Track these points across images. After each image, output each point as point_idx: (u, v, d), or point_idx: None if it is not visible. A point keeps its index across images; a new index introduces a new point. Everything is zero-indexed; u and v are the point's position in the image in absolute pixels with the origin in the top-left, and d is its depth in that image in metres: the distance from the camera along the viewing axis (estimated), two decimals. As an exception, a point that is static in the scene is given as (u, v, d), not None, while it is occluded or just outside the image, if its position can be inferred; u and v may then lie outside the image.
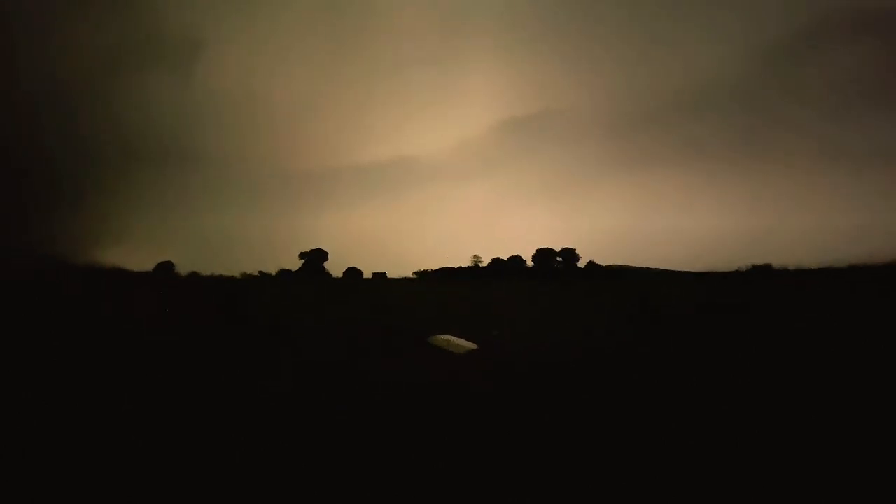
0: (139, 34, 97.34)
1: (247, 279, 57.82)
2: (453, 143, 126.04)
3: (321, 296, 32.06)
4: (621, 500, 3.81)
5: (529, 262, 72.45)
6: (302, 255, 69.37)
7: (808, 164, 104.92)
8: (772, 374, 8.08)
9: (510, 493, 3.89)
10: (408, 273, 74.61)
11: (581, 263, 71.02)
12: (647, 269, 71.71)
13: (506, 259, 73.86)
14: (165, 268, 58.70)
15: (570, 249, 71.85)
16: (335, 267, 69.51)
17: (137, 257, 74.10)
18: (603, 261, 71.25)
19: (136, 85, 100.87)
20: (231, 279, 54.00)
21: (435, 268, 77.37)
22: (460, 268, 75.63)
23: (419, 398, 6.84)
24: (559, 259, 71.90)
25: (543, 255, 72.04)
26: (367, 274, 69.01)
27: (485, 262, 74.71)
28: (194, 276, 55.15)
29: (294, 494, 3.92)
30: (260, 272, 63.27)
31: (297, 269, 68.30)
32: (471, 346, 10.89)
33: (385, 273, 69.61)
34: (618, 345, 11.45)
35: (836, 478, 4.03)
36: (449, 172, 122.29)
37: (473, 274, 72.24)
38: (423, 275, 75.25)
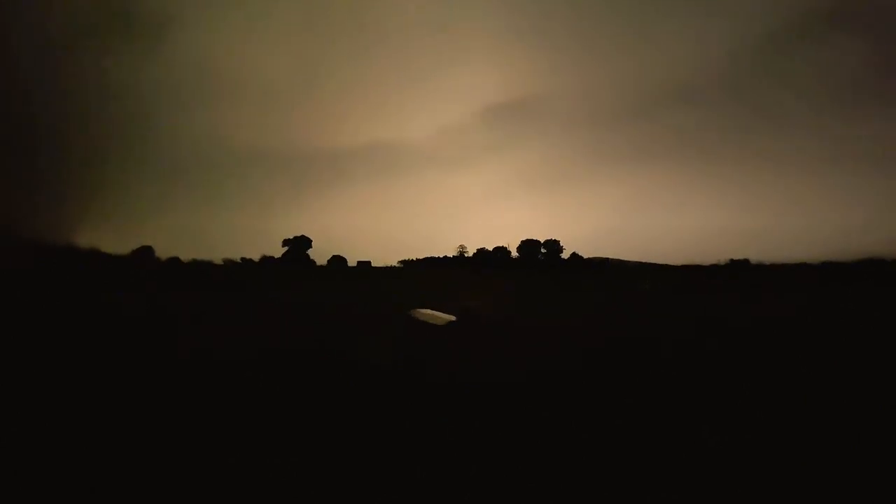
0: (105, 11, 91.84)
1: (229, 265, 57.03)
2: (437, 130, 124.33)
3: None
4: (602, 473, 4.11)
5: (514, 253, 73.35)
6: (285, 242, 68.53)
7: (794, 158, 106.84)
8: (738, 356, 8.56)
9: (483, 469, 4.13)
10: (393, 262, 74.82)
11: (565, 255, 72.22)
12: (629, 261, 73.35)
13: (491, 249, 74.59)
14: (144, 252, 57.33)
15: (554, 241, 72.91)
16: (319, 255, 69.05)
17: (116, 241, 72.13)
18: (586, 253, 72.62)
19: (105, 64, 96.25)
20: (212, 265, 53.24)
21: (420, 257, 77.79)
22: (445, 257, 76.12)
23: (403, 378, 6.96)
24: (543, 250, 72.90)
25: (528, 246, 72.93)
26: (352, 262, 68.87)
27: (470, 252, 75.35)
28: (174, 261, 54.15)
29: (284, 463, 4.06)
30: (242, 259, 62.46)
31: (280, 255, 67.55)
32: (450, 318, 11.21)
33: (370, 262, 69.64)
34: (585, 321, 11.93)
35: (805, 450, 4.02)
36: (434, 160, 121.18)
37: (459, 263, 72.73)
38: (408, 264, 75.43)
